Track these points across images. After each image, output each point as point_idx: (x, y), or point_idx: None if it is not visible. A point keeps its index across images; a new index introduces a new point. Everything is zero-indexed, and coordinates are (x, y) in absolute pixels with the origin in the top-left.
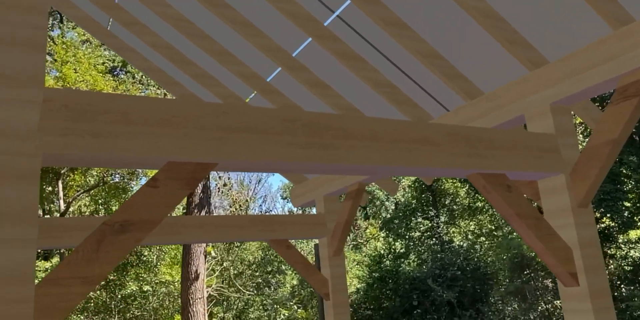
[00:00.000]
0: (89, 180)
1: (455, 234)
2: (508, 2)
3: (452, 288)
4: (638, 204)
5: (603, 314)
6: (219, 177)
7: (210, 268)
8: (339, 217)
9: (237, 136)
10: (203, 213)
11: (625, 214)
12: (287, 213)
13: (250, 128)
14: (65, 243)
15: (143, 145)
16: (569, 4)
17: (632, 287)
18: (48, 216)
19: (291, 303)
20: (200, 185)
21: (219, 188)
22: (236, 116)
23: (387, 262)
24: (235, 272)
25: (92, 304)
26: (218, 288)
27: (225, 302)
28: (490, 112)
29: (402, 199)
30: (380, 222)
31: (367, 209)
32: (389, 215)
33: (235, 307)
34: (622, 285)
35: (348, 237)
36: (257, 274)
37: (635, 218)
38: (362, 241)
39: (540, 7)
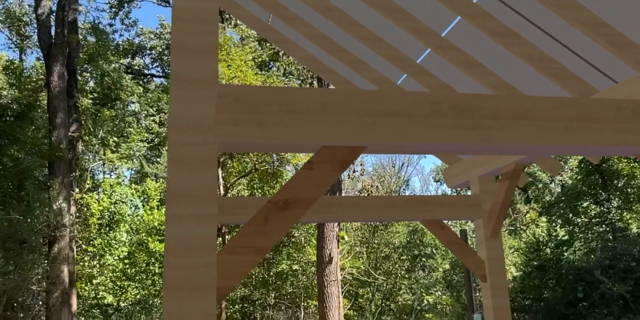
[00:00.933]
0: (246, 167)
1: (631, 221)
2: None
3: (626, 281)
4: None
5: None
6: (352, 164)
7: (346, 251)
8: (495, 198)
9: (384, 120)
10: None
11: None
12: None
13: (397, 112)
14: (236, 220)
15: (301, 131)
16: None
17: None
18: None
19: (435, 289)
20: None
21: (348, 175)
22: (384, 101)
23: (547, 250)
24: (384, 254)
25: (253, 280)
26: (362, 270)
27: (374, 283)
28: None
29: (570, 182)
30: (540, 206)
31: (529, 192)
32: (552, 199)
33: (383, 289)
34: None
35: (506, 222)
36: (403, 257)
37: None
38: (521, 226)
39: None
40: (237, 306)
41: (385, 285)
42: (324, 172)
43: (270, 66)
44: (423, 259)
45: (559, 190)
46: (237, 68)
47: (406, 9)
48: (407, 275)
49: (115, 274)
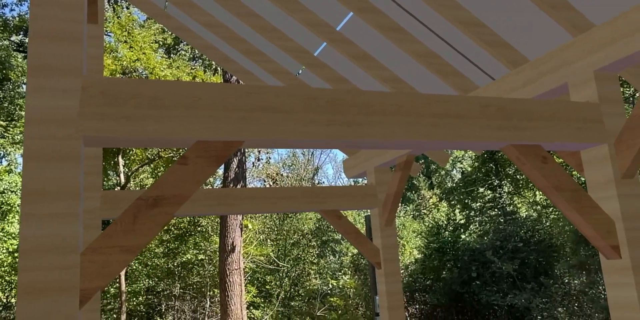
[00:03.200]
0: (149, 154)
1: (520, 205)
2: None
3: (513, 260)
4: None
5: None
6: (258, 151)
7: (254, 239)
8: (390, 188)
9: (260, 115)
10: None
11: None
12: (352, 184)
13: (273, 107)
14: None
15: (172, 126)
16: None
17: None
18: (118, 189)
19: (339, 273)
20: (235, 160)
21: (252, 163)
22: (259, 96)
23: (446, 233)
24: (292, 241)
25: (158, 270)
26: (270, 258)
27: (283, 270)
28: (534, 80)
29: (470, 169)
30: (442, 192)
31: (433, 178)
32: (453, 185)
33: (292, 275)
34: None
35: (411, 207)
36: (312, 244)
37: None
38: (425, 211)
39: None
40: (140, 298)
41: (294, 271)
42: (199, 167)
43: (178, 50)
44: (332, 244)
45: (460, 176)
46: (140, 50)
47: (300, 1)
48: (316, 261)
49: (3, 269)
